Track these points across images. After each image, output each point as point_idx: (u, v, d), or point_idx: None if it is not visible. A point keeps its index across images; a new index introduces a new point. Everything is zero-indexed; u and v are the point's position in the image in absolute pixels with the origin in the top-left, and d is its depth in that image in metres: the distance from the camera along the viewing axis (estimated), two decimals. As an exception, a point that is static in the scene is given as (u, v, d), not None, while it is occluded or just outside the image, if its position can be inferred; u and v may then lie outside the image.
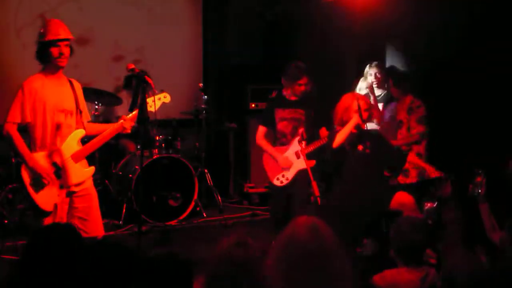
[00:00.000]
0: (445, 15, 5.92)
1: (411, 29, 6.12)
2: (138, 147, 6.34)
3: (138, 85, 4.18)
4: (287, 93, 5.35)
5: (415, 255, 3.08)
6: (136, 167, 6.09)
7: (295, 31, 7.55)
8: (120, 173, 6.36)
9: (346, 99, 4.95)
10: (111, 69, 7.15)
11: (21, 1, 6.78)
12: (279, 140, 5.36)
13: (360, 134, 4.87)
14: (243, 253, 2.16)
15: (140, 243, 3.91)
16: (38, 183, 3.98)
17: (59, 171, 4.04)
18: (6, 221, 5.79)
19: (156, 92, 4.26)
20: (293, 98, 5.32)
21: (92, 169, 4.27)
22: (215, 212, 6.64)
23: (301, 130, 5.09)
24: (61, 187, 4.05)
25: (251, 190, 7.26)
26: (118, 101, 6.69)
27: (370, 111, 4.91)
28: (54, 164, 4.04)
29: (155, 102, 4.30)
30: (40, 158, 4.01)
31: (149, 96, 4.25)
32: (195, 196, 6.36)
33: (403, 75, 5.94)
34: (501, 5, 5.55)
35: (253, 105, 7.33)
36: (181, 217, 6.26)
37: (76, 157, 4.12)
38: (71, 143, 4.11)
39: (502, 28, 5.61)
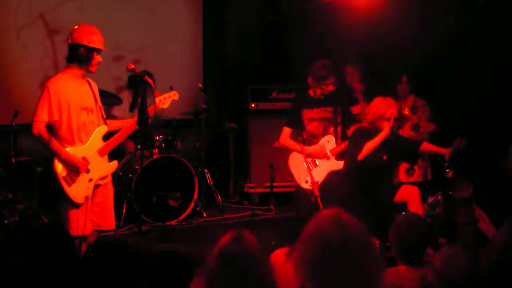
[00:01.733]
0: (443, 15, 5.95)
1: (408, 28, 6.13)
2: (138, 147, 6.34)
3: (138, 85, 4.22)
4: (313, 92, 5.19)
5: (415, 254, 3.08)
6: (136, 167, 6.10)
7: (295, 31, 7.55)
8: (120, 173, 6.35)
9: (381, 104, 4.84)
10: (111, 69, 7.15)
11: (21, 1, 6.77)
12: (307, 141, 5.18)
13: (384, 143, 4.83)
14: (241, 247, 2.14)
15: (140, 243, 3.92)
16: (71, 176, 4.17)
17: (88, 165, 4.24)
18: (6, 221, 5.79)
19: (155, 89, 4.36)
20: (319, 97, 5.17)
21: (115, 163, 4.50)
22: (215, 212, 6.64)
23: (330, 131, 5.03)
24: (90, 180, 4.27)
25: (251, 190, 7.26)
26: (118, 101, 6.69)
27: (400, 120, 4.85)
28: (83, 159, 4.23)
29: (167, 100, 4.55)
30: (69, 152, 4.19)
31: (160, 94, 4.48)
32: (195, 196, 6.36)
33: (417, 73, 5.93)
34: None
35: (253, 105, 7.33)
36: (181, 217, 6.26)
37: (101, 152, 4.34)
38: (96, 139, 4.33)
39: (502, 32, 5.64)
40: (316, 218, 2.07)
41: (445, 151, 4.85)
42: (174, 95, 4.65)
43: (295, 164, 5.22)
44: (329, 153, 5.09)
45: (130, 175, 6.15)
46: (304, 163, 4.86)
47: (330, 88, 5.10)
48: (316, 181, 4.87)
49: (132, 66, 4.33)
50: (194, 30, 7.85)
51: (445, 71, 6.11)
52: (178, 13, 7.70)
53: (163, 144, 6.45)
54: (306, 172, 4.87)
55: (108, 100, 6.58)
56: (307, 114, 5.18)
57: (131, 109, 4.37)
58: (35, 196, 6.03)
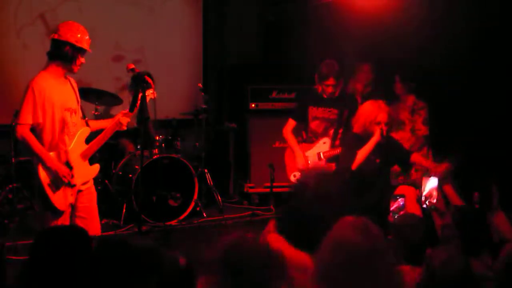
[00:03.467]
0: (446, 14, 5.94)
1: (408, 28, 6.12)
2: (138, 147, 6.34)
3: (138, 85, 4.20)
4: (319, 90, 5.25)
5: (416, 254, 3.09)
6: (136, 167, 6.10)
7: (295, 31, 7.55)
8: (120, 173, 6.36)
9: (371, 108, 4.75)
10: (111, 69, 7.15)
11: (21, 1, 6.78)
12: (308, 137, 5.28)
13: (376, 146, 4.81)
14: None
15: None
16: (56, 183, 4.00)
17: (72, 170, 4.07)
18: (6, 221, 5.79)
19: (154, 89, 4.30)
20: (328, 96, 5.20)
21: (97, 166, 4.34)
22: (215, 212, 6.64)
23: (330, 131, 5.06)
24: (73, 186, 4.09)
25: (251, 190, 7.26)
26: (118, 101, 6.69)
27: (391, 124, 4.79)
28: (67, 163, 4.06)
29: (143, 99, 4.30)
30: (54, 158, 4.02)
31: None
32: (195, 196, 6.36)
33: (411, 72, 5.85)
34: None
35: (253, 105, 7.32)
36: (181, 217, 6.26)
37: (84, 156, 4.18)
38: (79, 142, 4.17)
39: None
40: (339, 226, 2.04)
41: (430, 166, 4.78)
42: (151, 93, 4.47)
43: (290, 157, 5.36)
44: (322, 156, 5.17)
45: (130, 175, 6.16)
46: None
47: (330, 89, 5.10)
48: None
49: (132, 66, 4.30)
50: (194, 30, 7.85)
51: (448, 72, 6.10)
52: (178, 13, 7.70)
53: (163, 144, 6.45)
54: (296, 167, 5.18)
55: (108, 100, 6.59)
56: (312, 111, 5.25)
57: (131, 109, 4.33)
58: (35, 196, 6.02)
